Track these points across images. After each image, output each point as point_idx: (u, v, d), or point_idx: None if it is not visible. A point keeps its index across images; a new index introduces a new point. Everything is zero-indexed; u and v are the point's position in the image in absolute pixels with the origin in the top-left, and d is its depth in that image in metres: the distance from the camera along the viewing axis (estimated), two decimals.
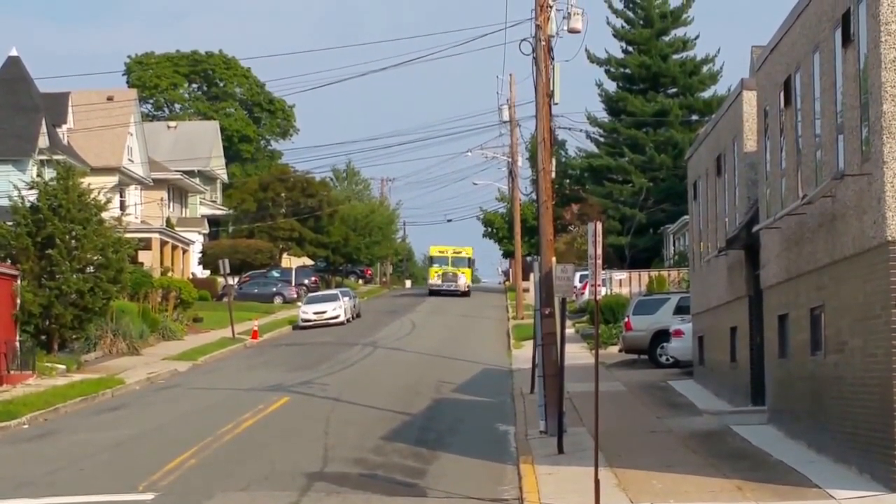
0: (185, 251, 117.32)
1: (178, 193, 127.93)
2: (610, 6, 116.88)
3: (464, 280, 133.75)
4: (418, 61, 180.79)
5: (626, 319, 66.34)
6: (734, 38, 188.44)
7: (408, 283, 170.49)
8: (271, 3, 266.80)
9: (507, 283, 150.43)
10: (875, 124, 28.19)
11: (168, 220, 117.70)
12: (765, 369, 42.69)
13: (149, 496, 31.26)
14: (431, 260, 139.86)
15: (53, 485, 33.19)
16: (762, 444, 36.68)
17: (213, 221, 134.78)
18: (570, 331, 61.65)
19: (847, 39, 30.41)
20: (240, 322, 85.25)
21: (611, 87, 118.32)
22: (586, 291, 56.36)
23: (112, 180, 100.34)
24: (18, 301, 63.86)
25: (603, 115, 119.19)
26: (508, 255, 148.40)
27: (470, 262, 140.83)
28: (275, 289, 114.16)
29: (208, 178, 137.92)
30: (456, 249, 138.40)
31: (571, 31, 43.75)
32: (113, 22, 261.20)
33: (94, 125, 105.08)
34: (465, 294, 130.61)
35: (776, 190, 38.97)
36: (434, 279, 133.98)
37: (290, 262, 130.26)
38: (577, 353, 58.17)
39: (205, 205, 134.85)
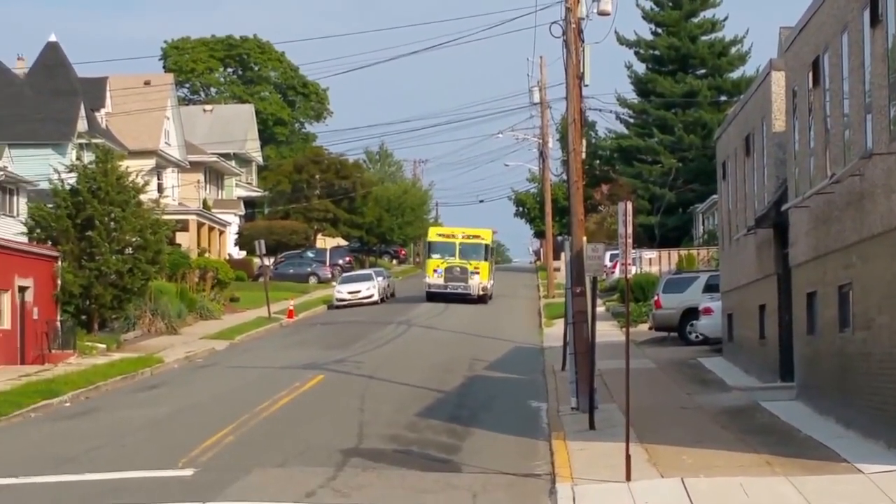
0: (221, 232, 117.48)
1: (215, 176, 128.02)
2: None
3: (478, 279, 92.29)
4: (450, 45, 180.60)
5: (656, 297, 66.31)
6: (763, 18, 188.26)
7: None
8: None
9: (537, 262, 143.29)
10: None
11: (205, 202, 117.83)
12: (793, 346, 42.63)
13: (188, 472, 31.28)
14: (430, 248, 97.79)
15: (94, 461, 33.27)
16: (791, 420, 36.62)
17: (249, 203, 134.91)
18: (600, 309, 61.60)
19: (875, 19, 30.28)
20: (275, 302, 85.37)
21: (640, 68, 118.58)
22: (616, 270, 56.36)
23: (149, 163, 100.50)
24: (59, 282, 64.16)
25: (632, 97, 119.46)
26: (539, 234, 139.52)
27: (488, 252, 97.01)
28: (310, 269, 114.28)
29: (244, 161, 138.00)
30: (467, 233, 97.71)
31: (601, 13, 43.78)
32: (150, 8, 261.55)
33: (131, 109, 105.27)
34: (481, 300, 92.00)
35: (805, 169, 38.86)
36: (433, 277, 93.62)
37: (325, 242, 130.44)
38: (607, 331, 58.16)
39: (241, 187, 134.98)
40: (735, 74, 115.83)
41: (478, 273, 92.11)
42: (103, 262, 66.22)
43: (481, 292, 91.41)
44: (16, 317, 59.29)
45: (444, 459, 33.06)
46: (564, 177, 51.23)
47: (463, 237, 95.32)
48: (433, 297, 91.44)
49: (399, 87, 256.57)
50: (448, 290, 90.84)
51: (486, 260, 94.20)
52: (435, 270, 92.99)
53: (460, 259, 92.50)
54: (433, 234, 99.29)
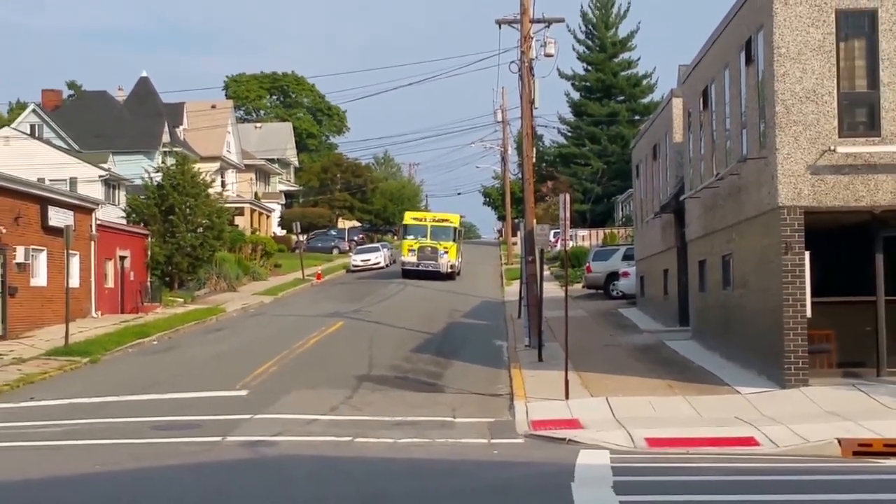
0: (267, 216, 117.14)
1: (263, 175, 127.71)
2: (575, 37, 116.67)
3: (447, 258, 79.11)
4: (437, 78, 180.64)
5: (587, 264, 66.32)
6: (666, 58, 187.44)
7: None
8: (328, 34, 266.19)
9: (500, 238, 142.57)
10: (770, 121, 28.09)
11: (255, 195, 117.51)
12: (689, 300, 42.65)
13: (244, 392, 31.30)
14: (406, 230, 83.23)
15: (175, 385, 33.26)
16: (687, 354, 36.61)
17: (288, 195, 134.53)
18: (546, 272, 61.43)
19: (749, 59, 30.24)
20: (308, 267, 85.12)
21: (576, 95, 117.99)
22: (558, 244, 56.16)
23: (215, 166, 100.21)
24: (149, 253, 64.23)
25: (570, 116, 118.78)
26: (501, 218, 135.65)
27: (457, 234, 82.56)
28: (333, 243, 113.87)
29: (284, 164, 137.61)
30: (437, 217, 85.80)
31: (547, 55, 43.78)
32: (215, 51, 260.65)
33: (202, 126, 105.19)
34: (449, 276, 78.48)
35: (697, 170, 38.85)
36: (408, 256, 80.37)
37: (344, 223, 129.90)
38: (551, 289, 57.99)
39: (282, 183, 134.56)
40: (646, 100, 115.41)
41: (447, 253, 79.00)
42: (181, 238, 66.34)
43: (449, 269, 78.73)
44: (118, 279, 59.27)
45: (431, 383, 33.04)
46: (520, 176, 51.01)
47: (433, 221, 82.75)
48: (407, 273, 79.03)
49: (399, 108, 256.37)
50: (420, 268, 78.38)
51: (454, 241, 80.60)
52: (409, 250, 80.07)
53: (431, 240, 79.62)
54: (408, 218, 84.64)
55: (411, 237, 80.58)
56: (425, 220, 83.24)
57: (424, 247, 78.98)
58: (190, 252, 66.86)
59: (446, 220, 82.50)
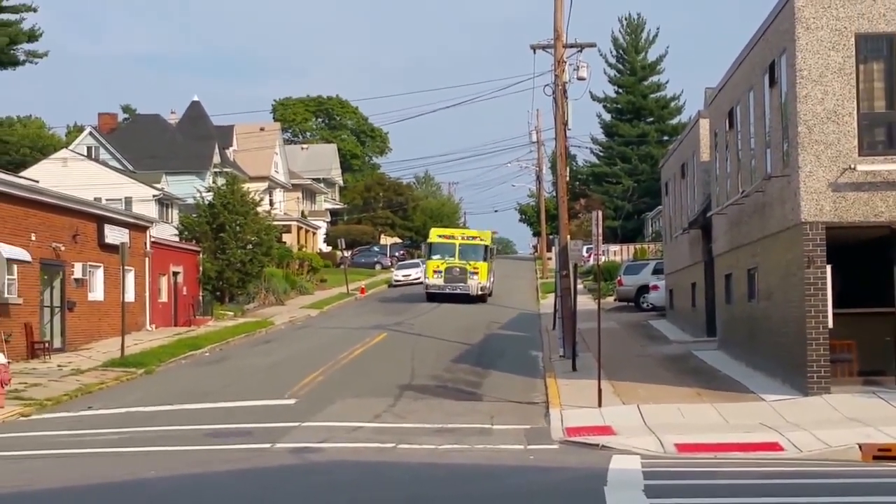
0: (313, 233, 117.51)
1: (309, 194, 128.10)
2: (606, 61, 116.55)
3: (476, 280, 69.69)
4: (475, 101, 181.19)
5: (619, 278, 66.22)
6: (694, 81, 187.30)
7: None
8: (371, 60, 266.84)
9: (535, 253, 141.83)
10: (793, 141, 28.11)
11: (302, 213, 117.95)
12: (716, 312, 42.58)
13: (292, 401, 31.45)
14: (431, 249, 72.08)
15: (226, 394, 33.44)
16: (714, 364, 36.59)
17: (333, 213, 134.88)
18: (580, 286, 61.47)
19: (773, 82, 30.29)
20: (352, 282, 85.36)
21: (607, 117, 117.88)
22: (591, 259, 55.84)
23: (263, 185, 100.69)
24: (201, 268, 64.64)
25: (602, 137, 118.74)
26: (536, 234, 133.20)
27: (488, 253, 72.46)
28: (375, 259, 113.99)
29: (329, 183, 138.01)
30: (467, 234, 76.02)
31: (580, 78, 43.82)
32: (262, 76, 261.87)
33: (250, 147, 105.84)
34: (480, 299, 69.38)
35: (723, 187, 38.83)
36: (433, 278, 70.66)
37: (386, 240, 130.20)
38: (584, 302, 57.95)
39: (327, 202, 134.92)
40: (674, 121, 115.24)
41: (477, 273, 69.67)
42: (231, 254, 66.65)
43: (480, 292, 69.38)
44: (171, 293, 59.63)
45: (470, 392, 33.10)
46: (554, 194, 51.10)
47: (463, 238, 72.78)
48: (433, 297, 69.42)
49: (439, 129, 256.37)
50: (447, 291, 69.05)
51: (485, 260, 70.88)
52: (435, 271, 70.23)
53: (460, 260, 70.06)
54: (434, 236, 73.51)
55: (437, 257, 71.09)
56: (454, 237, 73.19)
57: (452, 267, 69.90)
58: (240, 268, 67.22)
59: (477, 238, 73.31)
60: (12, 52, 76.31)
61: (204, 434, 25.68)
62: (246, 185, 74.82)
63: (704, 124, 44.40)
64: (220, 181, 72.66)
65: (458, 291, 68.95)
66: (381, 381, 35.39)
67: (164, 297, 58.58)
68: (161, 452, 23.00)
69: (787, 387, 29.03)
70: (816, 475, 17.67)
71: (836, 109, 27.46)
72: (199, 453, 22.62)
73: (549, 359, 40.32)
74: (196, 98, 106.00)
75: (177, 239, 67.86)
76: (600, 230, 31.99)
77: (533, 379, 35.72)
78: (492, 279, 73.79)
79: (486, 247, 71.93)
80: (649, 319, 56.55)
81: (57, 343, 45.47)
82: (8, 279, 40.95)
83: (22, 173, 63.01)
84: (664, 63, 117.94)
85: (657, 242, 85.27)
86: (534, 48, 44.69)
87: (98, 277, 50.17)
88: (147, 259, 55.51)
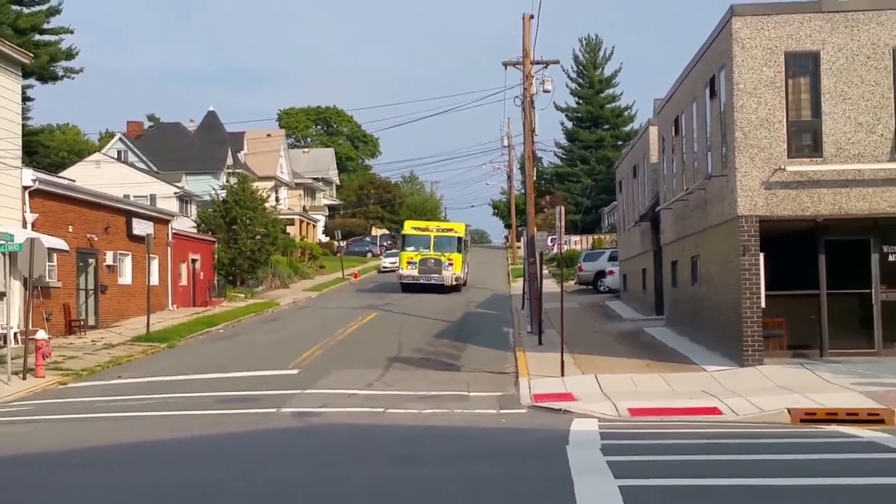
0: (314, 226, 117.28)
1: (310, 191, 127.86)
2: (568, 76, 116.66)
3: (451, 270, 62.85)
4: (455, 110, 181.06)
5: (579, 264, 66.33)
6: (644, 93, 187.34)
7: None
8: (367, 76, 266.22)
9: (507, 243, 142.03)
10: (730, 145, 28.07)
11: (304, 208, 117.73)
12: (663, 294, 42.59)
13: (295, 371, 31.35)
14: (405, 241, 64.59)
15: (237, 365, 33.30)
16: (662, 339, 36.57)
17: (331, 208, 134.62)
18: (545, 272, 61.49)
19: (713, 93, 30.24)
20: (347, 268, 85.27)
21: (569, 124, 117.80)
22: (555, 248, 56.27)
23: (270, 184, 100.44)
24: (216, 256, 64.40)
25: (564, 142, 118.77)
26: (508, 226, 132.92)
27: (462, 245, 65.16)
28: (367, 248, 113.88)
29: (327, 182, 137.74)
30: (442, 226, 67.78)
31: (545, 91, 43.73)
32: (270, 89, 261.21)
33: (259, 151, 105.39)
34: (454, 289, 63.07)
35: (670, 186, 38.80)
36: (407, 268, 63.43)
37: (376, 232, 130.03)
38: (549, 285, 57.93)
39: (325, 198, 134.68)
40: (627, 128, 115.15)
41: (451, 264, 62.70)
42: (242, 244, 66.65)
43: (454, 282, 62.90)
44: (190, 277, 59.46)
45: (450, 363, 33.02)
46: (523, 191, 51.12)
47: (437, 230, 65.15)
48: (407, 287, 62.57)
49: (423, 135, 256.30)
50: (421, 282, 62.30)
51: (459, 252, 63.84)
52: (409, 262, 63.14)
53: (435, 251, 63.09)
54: (408, 228, 66.04)
55: (412, 248, 63.64)
56: (428, 229, 65.60)
57: (427, 259, 62.95)
58: (249, 255, 67.17)
59: (451, 230, 65.71)
60: (52, 68, 75.88)
61: (217, 400, 25.54)
62: (255, 184, 74.64)
63: (654, 131, 44.38)
64: (233, 180, 72.53)
65: (433, 282, 62.60)
66: (372, 354, 35.27)
67: (184, 281, 58.41)
68: (181, 416, 22.85)
69: (725, 359, 29.03)
70: (751, 436, 17.63)
71: (768, 118, 27.44)
72: (214, 417, 22.48)
73: (518, 334, 40.26)
74: (212, 108, 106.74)
75: (195, 231, 67.64)
76: (563, 223, 31.95)
77: (504, 352, 35.65)
78: (466, 270, 67.65)
79: (461, 238, 64.90)
80: (606, 300, 56.58)
81: (91, 321, 45.33)
82: (49, 266, 40.76)
83: (60, 174, 62.57)
84: (619, 77, 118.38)
85: (612, 234, 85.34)
86: (505, 64, 44.60)
87: (127, 264, 50.01)
88: (169, 248, 55.36)
